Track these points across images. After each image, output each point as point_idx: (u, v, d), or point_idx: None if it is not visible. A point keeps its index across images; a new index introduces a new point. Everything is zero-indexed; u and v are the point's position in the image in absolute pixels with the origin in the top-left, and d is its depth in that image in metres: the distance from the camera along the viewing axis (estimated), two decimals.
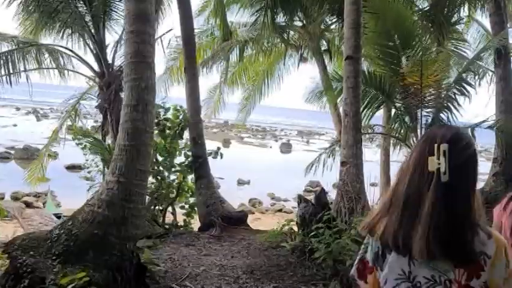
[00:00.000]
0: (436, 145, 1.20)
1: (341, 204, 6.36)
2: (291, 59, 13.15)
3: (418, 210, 1.20)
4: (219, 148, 8.06)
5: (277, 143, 40.05)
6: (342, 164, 7.03)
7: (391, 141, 9.54)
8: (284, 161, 27.91)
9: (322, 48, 11.91)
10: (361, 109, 7.58)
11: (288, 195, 17.98)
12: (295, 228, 5.54)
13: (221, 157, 7.98)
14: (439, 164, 1.18)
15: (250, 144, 38.02)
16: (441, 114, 8.31)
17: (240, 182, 20.29)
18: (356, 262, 1.39)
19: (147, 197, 7.53)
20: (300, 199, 5.24)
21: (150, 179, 7.80)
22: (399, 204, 1.24)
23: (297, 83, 12.34)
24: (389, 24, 8.22)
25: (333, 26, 11.68)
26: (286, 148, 36.52)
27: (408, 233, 1.20)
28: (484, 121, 8.32)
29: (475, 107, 8.95)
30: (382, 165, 10.94)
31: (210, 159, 7.96)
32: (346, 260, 4.28)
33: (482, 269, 1.19)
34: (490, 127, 8.18)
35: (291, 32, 12.03)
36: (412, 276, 1.22)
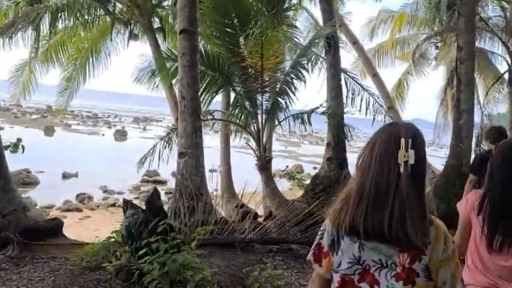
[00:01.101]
0: (403, 140, 1.33)
1: (180, 203, 5.47)
2: (120, 36, 11.52)
3: (387, 200, 1.31)
4: (19, 139, 6.19)
5: (110, 130, 37.12)
6: (180, 155, 6.15)
7: (232, 128, 9.03)
8: (119, 150, 25.72)
9: (155, 26, 10.71)
10: (200, 93, 6.80)
11: (123, 187, 16.68)
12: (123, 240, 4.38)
13: (23, 151, 6.16)
14: (407, 156, 1.31)
15: (79, 132, 34.20)
16: (279, 99, 8.12)
17: (66, 176, 17.82)
18: (313, 247, 1.48)
19: None
20: (127, 205, 4.10)
21: None
22: (368, 195, 1.34)
23: (129, 66, 10.84)
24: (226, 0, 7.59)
25: (166, 3, 10.62)
26: (120, 135, 34.16)
27: (378, 219, 1.30)
28: (317, 107, 8.43)
29: (311, 93, 9.05)
30: (222, 153, 10.50)
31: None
32: (187, 280, 3.39)
33: (423, 253, 1.33)
34: (323, 113, 8.31)
35: (118, 5, 10.45)
36: (362, 260, 1.36)
